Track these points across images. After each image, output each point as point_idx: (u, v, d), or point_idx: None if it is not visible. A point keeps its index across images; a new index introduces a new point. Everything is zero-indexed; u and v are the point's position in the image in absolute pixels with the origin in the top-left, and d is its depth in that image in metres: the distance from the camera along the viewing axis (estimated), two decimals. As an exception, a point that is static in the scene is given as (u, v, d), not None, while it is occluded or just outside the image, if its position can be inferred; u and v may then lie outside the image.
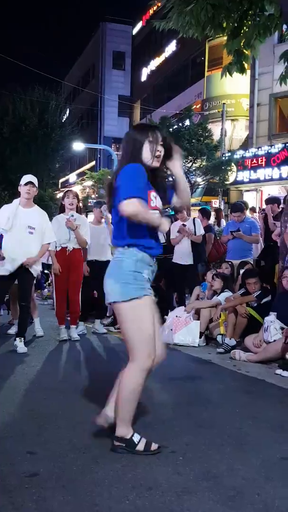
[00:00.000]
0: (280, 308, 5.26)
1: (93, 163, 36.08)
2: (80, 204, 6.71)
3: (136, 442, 2.79)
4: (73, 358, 5.43)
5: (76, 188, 25.32)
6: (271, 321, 5.13)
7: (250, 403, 3.91)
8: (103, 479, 2.52)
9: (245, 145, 19.38)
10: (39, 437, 3.05)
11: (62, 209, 6.47)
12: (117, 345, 6.15)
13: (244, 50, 6.08)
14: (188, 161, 16.26)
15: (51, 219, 6.30)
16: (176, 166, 2.92)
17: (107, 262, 3.05)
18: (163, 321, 5.83)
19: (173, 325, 6.23)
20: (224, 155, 17.76)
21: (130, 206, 2.60)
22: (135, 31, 34.74)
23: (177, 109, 23.96)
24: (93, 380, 4.45)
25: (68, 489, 2.42)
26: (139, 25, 33.56)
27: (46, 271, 11.30)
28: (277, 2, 5.62)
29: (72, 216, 6.23)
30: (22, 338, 5.61)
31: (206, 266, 8.25)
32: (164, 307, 6.43)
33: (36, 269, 5.83)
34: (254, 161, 16.98)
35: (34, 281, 6.23)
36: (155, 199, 2.81)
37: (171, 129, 16.60)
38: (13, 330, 6.45)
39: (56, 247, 6.21)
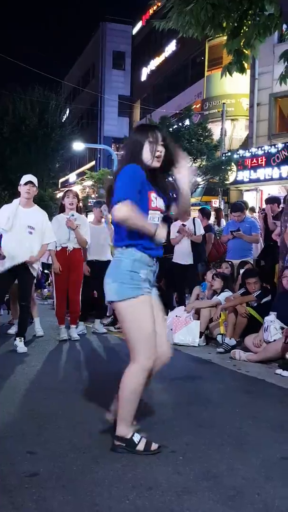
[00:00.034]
0: (280, 308, 5.26)
1: (93, 163, 36.08)
2: (80, 204, 6.70)
3: (137, 442, 2.79)
4: (73, 358, 5.43)
5: (76, 188, 25.28)
6: (271, 321, 5.13)
7: (250, 402, 3.91)
8: (103, 479, 2.52)
9: (245, 145, 19.38)
10: (39, 437, 3.05)
11: (62, 209, 6.47)
12: (117, 345, 6.16)
13: (244, 50, 6.08)
14: (188, 160, 16.26)
15: (51, 219, 6.30)
16: (183, 177, 2.89)
17: (108, 262, 3.06)
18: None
19: (173, 325, 6.23)
20: (224, 154, 17.74)
21: (120, 211, 2.63)
22: (135, 31, 34.73)
23: (177, 109, 23.95)
24: (93, 380, 4.45)
25: (68, 489, 2.42)
26: (139, 25, 33.55)
27: (46, 271, 11.30)
28: (277, 2, 5.62)
29: (73, 215, 6.23)
30: (22, 338, 5.61)
31: (206, 266, 8.25)
32: (164, 307, 6.42)
33: (35, 269, 5.83)
34: (254, 160, 16.98)
35: (34, 281, 6.24)
36: (155, 200, 2.80)
37: (171, 129, 16.59)
38: (13, 330, 6.45)
39: (56, 247, 6.21)
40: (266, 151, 16.48)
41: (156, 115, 22.58)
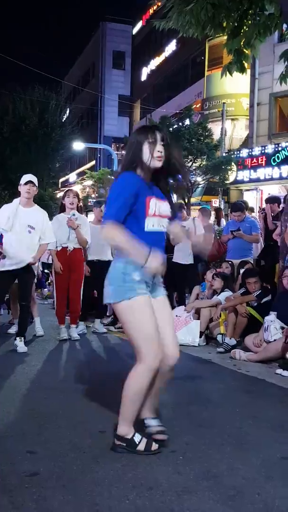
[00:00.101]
0: (280, 308, 5.26)
1: (93, 162, 36.06)
2: (81, 204, 6.71)
3: (137, 442, 2.79)
4: (73, 358, 5.44)
5: (76, 188, 25.29)
6: (271, 321, 5.13)
7: (250, 402, 3.91)
8: (103, 478, 2.52)
9: (245, 145, 19.37)
10: (39, 437, 3.05)
11: (62, 209, 6.47)
12: (117, 345, 6.16)
13: (244, 50, 6.08)
14: (188, 160, 16.25)
15: (51, 219, 6.30)
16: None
17: (109, 262, 3.07)
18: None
19: (173, 324, 6.22)
20: (227, 153, 17.73)
21: (104, 232, 2.73)
22: (135, 30, 34.69)
23: (177, 109, 23.94)
24: (93, 380, 4.45)
25: (69, 488, 2.42)
26: (139, 25, 33.51)
27: (46, 271, 11.31)
28: (277, 2, 5.62)
29: (74, 215, 6.24)
30: (22, 338, 5.62)
31: (206, 265, 8.25)
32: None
33: (35, 268, 5.83)
34: (254, 160, 16.98)
35: (35, 280, 6.24)
36: (155, 206, 2.80)
37: (171, 129, 16.58)
38: (13, 330, 6.45)
39: (56, 247, 6.21)
40: (261, 152, 16.50)
41: (156, 115, 22.56)
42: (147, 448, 2.79)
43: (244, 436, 3.15)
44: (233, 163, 17.01)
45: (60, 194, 25.44)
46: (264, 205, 8.89)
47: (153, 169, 2.84)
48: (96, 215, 7.14)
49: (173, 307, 7.14)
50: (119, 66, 37.03)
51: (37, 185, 5.85)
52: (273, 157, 16.06)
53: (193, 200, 17.19)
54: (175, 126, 17.24)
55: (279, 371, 4.75)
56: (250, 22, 5.96)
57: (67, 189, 9.51)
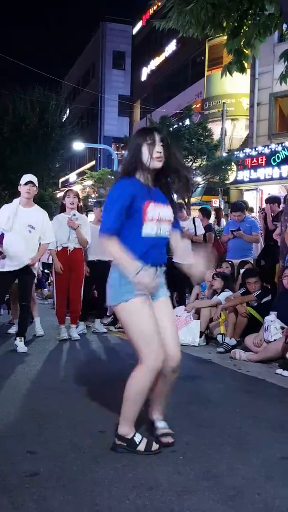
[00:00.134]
0: (281, 308, 5.26)
1: (93, 162, 36.07)
2: (81, 204, 6.71)
3: (138, 443, 2.79)
4: (73, 358, 5.44)
5: (76, 188, 25.31)
6: (272, 321, 5.13)
7: (250, 402, 3.91)
8: (103, 478, 2.52)
9: (245, 145, 19.37)
10: (39, 437, 3.05)
11: (63, 209, 6.48)
12: (117, 345, 6.16)
13: (244, 50, 6.08)
14: (188, 160, 16.26)
15: (51, 219, 6.30)
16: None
17: (110, 262, 3.07)
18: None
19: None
20: (228, 153, 17.73)
21: (103, 244, 2.80)
22: (135, 30, 34.69)
23: (177, 109, 23.95)
24: (94, 380, 4.45)
25: (69, 488, 2.42)
26: (139, 25, 33.51)
27: (46, 271, 11.31)
28: (277, 2, 5.62)
29: (74, 215, 6.24)
30: (23, 338, 5.62)
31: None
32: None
33: (35, 268, 5.83)
34: (254, 160, 16.98)
35: (35, 280, 6.23)
36: (153, 211, 2.79)
37: (171, 129, 16.59)
38: (13, 330, 6.45)
39: (57, 247, 6.21)
40: (259, 152, 16.51)
41: (156, 115, 22.56)
42: (147, 448, 2.79)
43: (244, 436, 3.15)
44: (233, 163, 17.01)
45: (60, 194, 25.46)
46: (264, 205, 8.89)
47: (154, 171, 2.85)
48: (96, 215, 7.14)
49: (173, 307, 7.14)
50: (119, 66, 37.03)
51: (37, 185, 5.85)
52: (273, 157, 16.07)
53: (193, 200, 17.17)
54: (175, 126, 17.25)
55: (279, 371, 4.75)
56: (250, 22, 5.96)
57: (67, 189, 9.51)
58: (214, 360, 5.42)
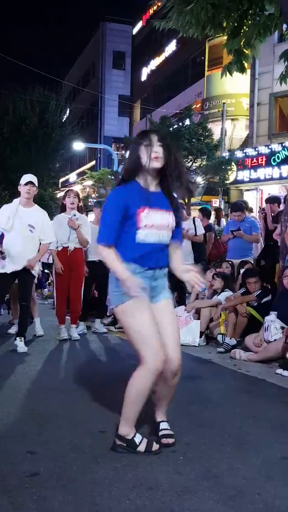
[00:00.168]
0: (281, 308, 5.26)
1: (93, 162, 36.07)
2: (81, 204, 6.71)
3: (138, 443, 2.79)
4: (73, 358, 5.43)
5: (77, 188, 25.31)
6: (272, 321, 5.13)
7: (250, 402, 3.91)
8: (103, 478, 2.52)
9: (245, 145, 19.37)
10: (39, 437, 3.05)
11: (63, 209, 6.48)
12: (118, 345, 6.16)
13: (244, 50, 6.08)
14: (188, 160, 16.26)
15: (51, 219, 6.30)
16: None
17: None
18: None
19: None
20: (229, 153, 17.73)
21: (101, 253, 2.85)
22: (135, 31, 34.70)
23: (177, 109, 23.95)
24: (94, 380, 4.45)
25: (69, 488, 2.42)
26: (139, 25, 33.52)
27: (46, 271, 11.31)
28: (277, 2, 5.62)
29: (75, 215, 6.24)
30: (23, 338, 5.61)
31: (206, 265, 8.24)
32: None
33: (36, 269, 5.83)
34: (254, 160, 16.97)
35: (35, 280, 6.23)
36: (146, 217, 2.77)
37: (171, 129, 16.59)
38: (13, 330, 6.45)
39: (57, 247, 6.21)
40: (258, 152, 16.50)
41: (156, 115, 22.56)
42: (147, 449, 2.79)
43: (244, 436, 3.15)
44: (233, 163, 17.01)
45: (60, 194, 25.47)
46: (264, 205, 8.89)
47: (154, 172, 2.85)
48: (96, 215, 7.13)
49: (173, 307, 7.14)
50: (119, 66, 37.04)
51: (37, 185, 5.85)
52: (273, 157, 16.07)
53: (193, 200, 17.15)
54: (175, 126, 17.25)
55: (279, 371, 4.75)
56: (250, 22, 5.96)
57: (67, 189, 9.51)
58: (214, 360, 5.42)
